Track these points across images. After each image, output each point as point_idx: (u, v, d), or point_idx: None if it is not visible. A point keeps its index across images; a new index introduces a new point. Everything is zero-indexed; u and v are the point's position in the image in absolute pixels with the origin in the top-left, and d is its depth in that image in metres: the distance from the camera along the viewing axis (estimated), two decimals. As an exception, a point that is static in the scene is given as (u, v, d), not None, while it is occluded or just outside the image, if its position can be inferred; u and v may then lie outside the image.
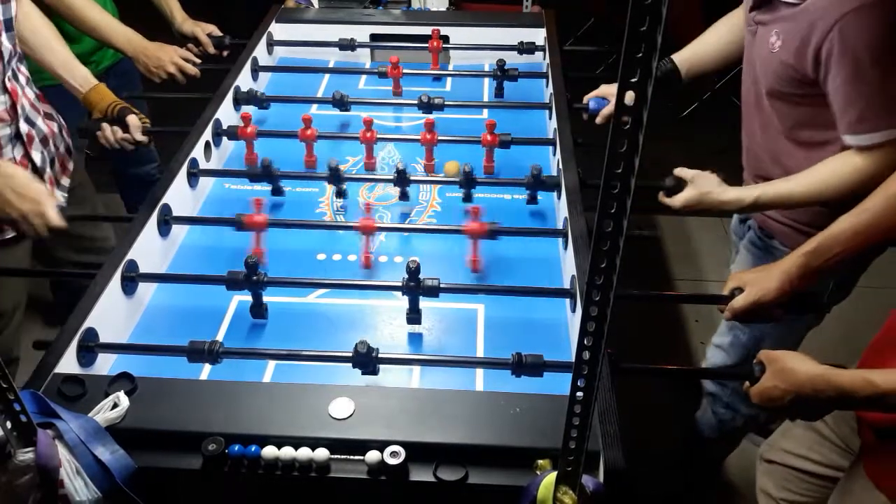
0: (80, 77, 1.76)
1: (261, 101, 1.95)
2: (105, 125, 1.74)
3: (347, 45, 2.22)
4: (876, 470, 1.19)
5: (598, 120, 1.90)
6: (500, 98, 2.10)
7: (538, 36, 2.29)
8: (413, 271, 1.32)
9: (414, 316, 1.37)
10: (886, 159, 1.32)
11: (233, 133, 1.81)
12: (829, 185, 1.38)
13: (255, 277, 1.34)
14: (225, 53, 2.29)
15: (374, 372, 1.21)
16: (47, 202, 1.45)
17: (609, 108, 1.87)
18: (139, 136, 1.75)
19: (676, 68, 1.80)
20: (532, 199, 1.66)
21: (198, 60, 2.17)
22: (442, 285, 1.42)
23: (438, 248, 1.57)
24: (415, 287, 1.33)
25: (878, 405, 1.05)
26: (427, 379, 1.26)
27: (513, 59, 2.24)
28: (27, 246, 1.71)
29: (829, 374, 1.07)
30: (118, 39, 2.03)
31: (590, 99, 1.93)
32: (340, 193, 1.69)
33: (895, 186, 1.20)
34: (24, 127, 1.60)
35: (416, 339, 1.37)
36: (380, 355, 1.21)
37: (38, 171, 1.65)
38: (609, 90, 1.91)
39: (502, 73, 2.06)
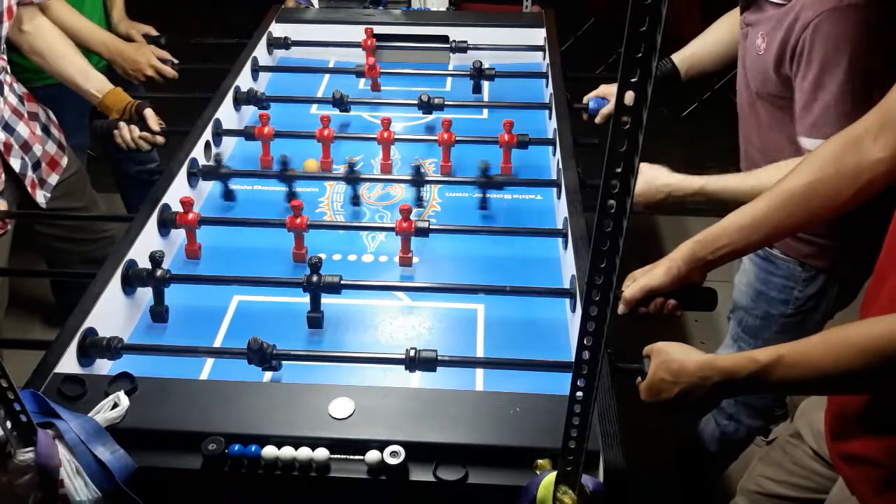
0: (96, 83, 1.78)
1: (260, 101, 1.95)
2: (122, 124, 1.75)
3: (281, 44, 2.23)
4: (864, 490, 1.17)
5: (598, 119, 1.90)
6: (477, 95, 2.10)
7: (538, 36, 2.29)
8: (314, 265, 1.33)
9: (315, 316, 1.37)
10: None
11: (250, 134, 1.79)
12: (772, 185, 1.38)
13: (315, 279, 1.34)
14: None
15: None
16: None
17: (609, 108, 1.88)
18: (155, 127, 1.75)
19: (676, 68, 1.80)
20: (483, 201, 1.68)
21: (175, 61, 2.19)
22: (442, 285, 1.43)
23: (438, 247, 1.57)
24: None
25: (760, 382, 1.02)
26: (427, 379, 1.26)
27: (513, 60, 2.25)
28: (7, 242, 1.71)
29: (714, 358, 1.06)
30: (95, 43, 2.04)
31: (590, 99, 1.93)
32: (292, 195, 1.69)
33: (780, 188, 1.20)
34: (0, 135, 1.60)
35: (416, 339, 1.37)
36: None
37: (15, 178, 1.65)
38: (609, 90, 1.91)
39: (478, 74, 2.05)
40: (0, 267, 1.63)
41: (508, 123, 1.74)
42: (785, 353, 1.00)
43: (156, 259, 1.37)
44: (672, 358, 1.09)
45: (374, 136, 1.77)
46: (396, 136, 1.79)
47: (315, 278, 1.34)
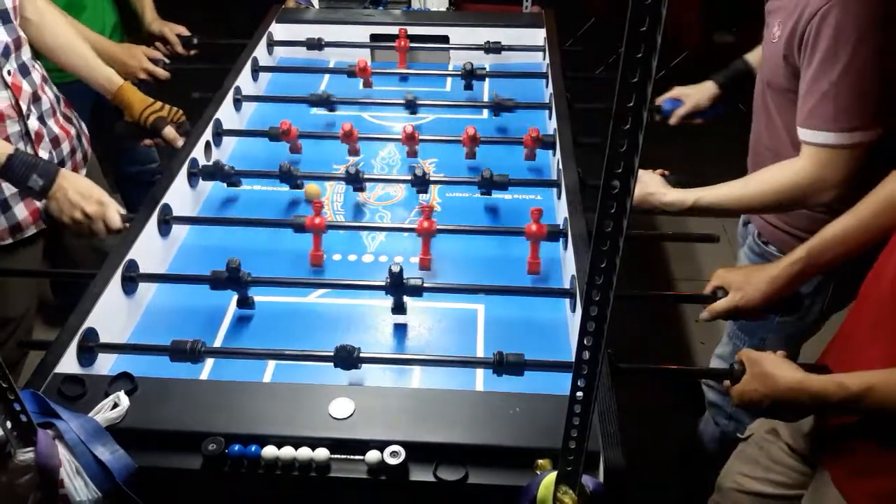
0: (103, 77, 1.74)
1: (260, 100, 1.96)
2: (148, 141, 1.75)
3: (315, 44, 2.23)
4: (842, 477, 1.18)
5: (672, 121, 1.92)
6: (469, 93, 2.10)
7: (538, 36, 2.29)
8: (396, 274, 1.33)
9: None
10: (820, 166, 1.31)
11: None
12: (769, 187, 1.38)
13: (238, 276, 1.35)
14: (192, 52, 2.30)
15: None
16: (110, 205, 1.49)
17: (684, 109, 1.89)
18: (179, 145, 1.72)
19: (751, 68, 1.77)
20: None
21: (167, 60, 2.18)
22: (442, 285, 1.43)
23: (438, 247, 1.57)
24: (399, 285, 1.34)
25: (852, 408, 1.07)
26: (427, 379, 1.26)
27: (515, 59, 2.25)
28: (39, 249, 1.71)
29: (805, 381, 1.09)
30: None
31: (664, 100, 1.93)
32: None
33: (881, 194, 1.20)
34: (33, 124, 1.59)
35: (415, 339, 1.37)
36: (362, 355, 1.22)
37: None
38: (683, 91, 1.91)
39: (469, 73, 2.05)
40: (1, 268, 1.63)
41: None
42: (875, 383, 1.03)
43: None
44: (765, 371, 1.12)
45: (378, 136, 1.78)
46: (394, 137, 1.79)
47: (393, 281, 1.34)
